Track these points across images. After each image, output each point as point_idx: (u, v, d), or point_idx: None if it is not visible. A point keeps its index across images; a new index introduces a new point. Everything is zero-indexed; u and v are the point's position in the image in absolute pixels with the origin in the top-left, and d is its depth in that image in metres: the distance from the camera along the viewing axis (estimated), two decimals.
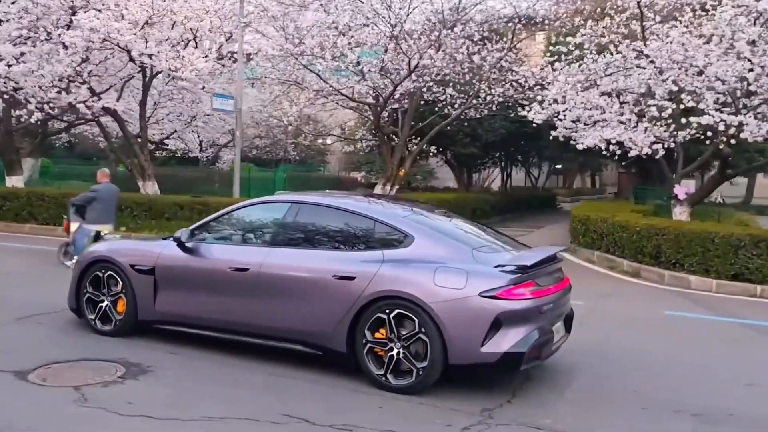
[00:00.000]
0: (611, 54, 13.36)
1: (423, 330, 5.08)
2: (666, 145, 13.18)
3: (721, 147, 12.56)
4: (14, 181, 18.09)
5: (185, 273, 6.15)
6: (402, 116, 20.16)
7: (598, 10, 14.29)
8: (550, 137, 15.63)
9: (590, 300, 9.60)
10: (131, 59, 15.36)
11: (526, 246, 6.15)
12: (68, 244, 10.95)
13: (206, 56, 15.34)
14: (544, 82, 15.50)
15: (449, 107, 19.73)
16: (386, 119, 21.08)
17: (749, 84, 11.26)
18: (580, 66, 13.78)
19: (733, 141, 12.09)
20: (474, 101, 19.30)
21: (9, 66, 14.55)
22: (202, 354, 6.02)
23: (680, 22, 12.53)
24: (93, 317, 6.58)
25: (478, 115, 20.77)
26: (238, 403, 4.87)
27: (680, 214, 14.09)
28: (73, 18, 14.65)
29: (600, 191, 55.17)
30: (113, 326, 6.47)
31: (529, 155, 34.69)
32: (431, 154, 23.76)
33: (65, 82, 15.46)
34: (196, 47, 16.01)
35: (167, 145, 27.64)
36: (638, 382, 5.80)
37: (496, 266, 5.17)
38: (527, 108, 15.18)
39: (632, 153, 13.46)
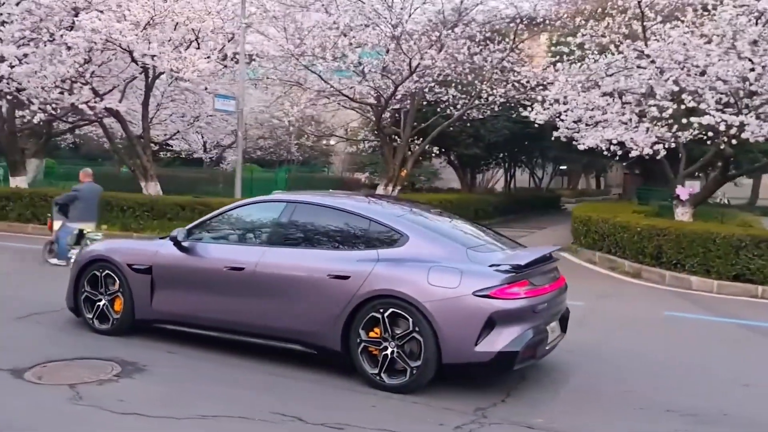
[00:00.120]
0: (612, 54, 13.33)
1: (417, 329, 5.08)
2: (667, 146, 13.14)
3: (722, 147, 12.52)
4: (18, 182, 18.19)
5: (182, 272, 6.17)
6: (404, 117, 20.17)
7: (599, 10, 14.26)
8: (552, 138, 15.60)
9: (590, 300, 9.60)
10: (133, 60, 15.42)
11: (522, 245, 6.15)
12: (53, 243, 11.16)
13: (208, 57, 15.38)
14: (545, 83, 15.48)
15: (451, 108, 19.73)
16: (388, 120, 21.10)
17: (750, 84, 11.22)
18: (580, 66, 13.76)
19: (734, 141, 12.05)
20: (476, 102, 19.29)
21: (12, 67, 14.62)
22: (199, 353, 6.03)
23: (682, 21, 12.50)
24: (91, 316, 6.61)
25: (480, 116, 20.76)
26: (232, 401, 4.88)
27: (682, 214, 14.05)
28: (75, 19, 14.71)
29: (605, 192, 55.11)
30: (111, 325, 6.50)
31: (533, 156, 34.65)
32: (434, 154, 23.76)
33: (68, 83, 15.53)
34: (198, 48, 16.05)
35: (171, 146, 27.72)
36: (634, 382, 5.78)
37: (491, 265, 5.17)
38: (529, 108, 15.16)
39: (633, 153, 13.43)
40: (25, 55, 15.09)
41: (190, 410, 4.67)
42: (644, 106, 12.98)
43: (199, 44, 16.33)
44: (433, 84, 18.41)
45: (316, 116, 25.69)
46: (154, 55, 15.03)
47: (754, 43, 11.00)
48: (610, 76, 13.16)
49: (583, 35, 13.47)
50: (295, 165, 33.53)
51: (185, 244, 6.19)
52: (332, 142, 34.44)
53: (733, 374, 6.19)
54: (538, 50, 23.54)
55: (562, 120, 14.55)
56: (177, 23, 15.66)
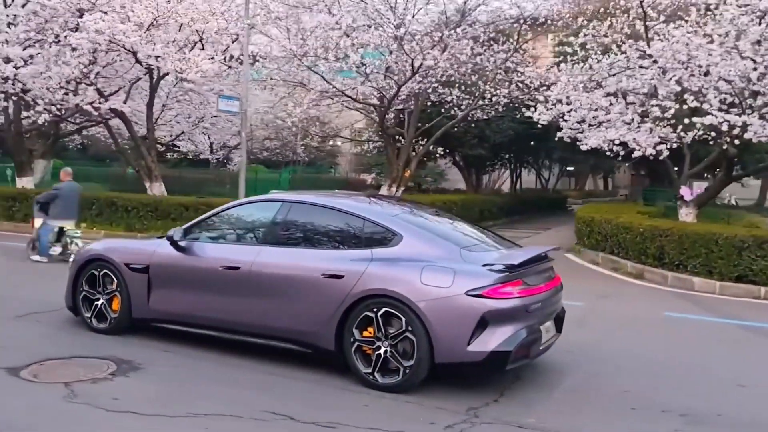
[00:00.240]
0: (615, 54, 13.30)
1: (410, 329, 5.09)
2: (670, 146, 13.09)
3: (724, 147, 12.46)
4: (24, 183, 18.31)
5: (178, 271, 6.20)
6: (408, 117, 20.17)
7: (602, 10, 14.22)
8: (556, 138, 15.57)
9: (591, 301, 9.59)
10: (137, 61, 15.49)
11: (517, 245, 6.14)
12: (35, 240, 11.50)
13: (212, 58, 15.44)
14: (547, 83, 15.46)
15: (456, 108, 19.72)
16: (392, 120, 21.11)
17: (753, 84, 11.16)
18: (582, 67, 13.73)
19: (737, 141, 12.00)
20: (480, 102, 19.27)
21: (16, 68, 14.73)
22: (195, 352, 6.06)
23: (686, 21, 12.46)
24: (89, 315, 6.65)
25: (485, 117, 20.72)
26: (225, 400, 4.90)
27: (686, 215, 13.99)
28: (79, 21, 14.80)
29: (612, 193, 54.88)
30: (108, 324, 6.54)
31: (539, 157, 34.55)
32: (438, 155, 23.73)
33: (73, 84, 15.63)
34: (203, 49, 16.11)
35: (178, 147, 27.83)
36: (630, 383, 5.76)
37: (484, 265, 5.17)
38: (532, 109, 15.14)
39: (636, 153, 13.38)
40: (31, 57, 15.22)
41: (183, 409, 4.69)
42: (647, 106, 12.93)
43: (203, 45, 16.39)
44: (436, 84, 18.39)
45: (321, 117, 25.69)
46: (159, 56, 15.12)
47: (758, 43, 10.94)
48: (613, 76, 13.12)
49: (585, 35, 13.44)
50: (300, 166, 33.58)
51: (182, 243, 6.22)
52: (339, 143, 34.47)
53: (730, 375, 6.16)
54: (543, 51, 23.52)
55: (566, 120, 14.52)
56: (181, 24, 15.73)
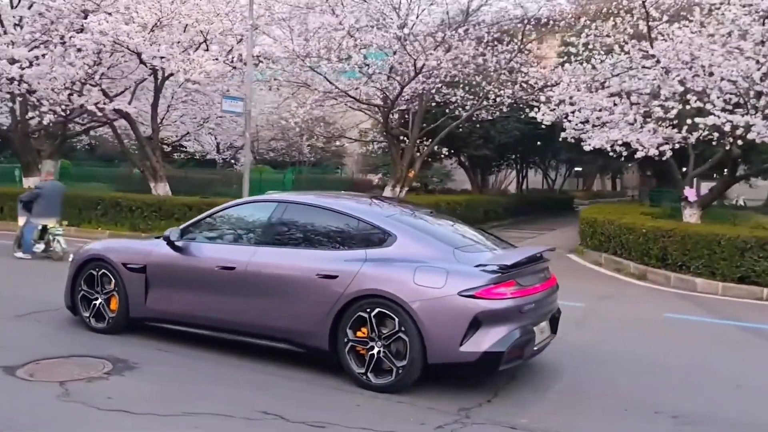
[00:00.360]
0: (618, 54, 13.25)
1: (403, 329, 5.10)
2: (672, 146, 13.03)
3: (727, 148, 12.39)
4: (31, 182, 18.38)
5: (175, 271, 6.23)
6: (413, 118, 20.17)
7: (604, 10, 14.17)
8: (560, 138, 15.53)
9: (591, 302, 9.57)
10: (142, 62, 15.57)
11: (513, 246, 6.13)
12: (20, 238, 11.90)
13: (216, 59, 15.49)
14: (550, 84, 15.42)
15: (460, 109, 19.70)
16: (396, 121, 21.11)
17: (755, 84, 11.09)
18: (585, 67, 13.69)
19: (740, 142, 11.93)
20: (485, 102, 19.24)
21: (22, 69, 14.83)
22: (192, 351, 6.09)
23: (690, 21, 12.40)
24: (87, 315, 6.69)
25: (490, 117, 20.70)
26: (218, 399, 4.92)
27: (690, 216, 13.92)
28: (84, 22, 14.89)
29: (621, 194, 54.65)
30: (106, 324, 6.58)
31: (545, 157, 34.46)
32: (443, 155, 23.70)
33: (78, 84, 15.72)
34: (207, 50, 16.17)
35: (185, 148, 27.94)
36: (625, 384, 5.75)
37: (477, 266, 5.16)
38: (536, 109, 15.11)
39: (639, 154, 13.33)
40: (36, 58, 15.33)
41: (175, 408, 4.72)
42: (650, 107, 12.87)
43: (207, 46, 16.45)
44: (440, 85, 18.38)
45: (327, 117, 25.73)
46: (163, 57, 15.19)
47: (761, 43, 10.87)
48: (616, 76, 13.07)
49: (587, 35, 13.40)
50: (306, 166, 33.62)
51: (178, 243, 6.25)
52: (345, 144, 34.49)
53: (727, 376, 6.13)
54: (549, 51, 23.45)
55: (569, 121, 14.48)
56: (186, 25, 15.80)
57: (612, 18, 13.34)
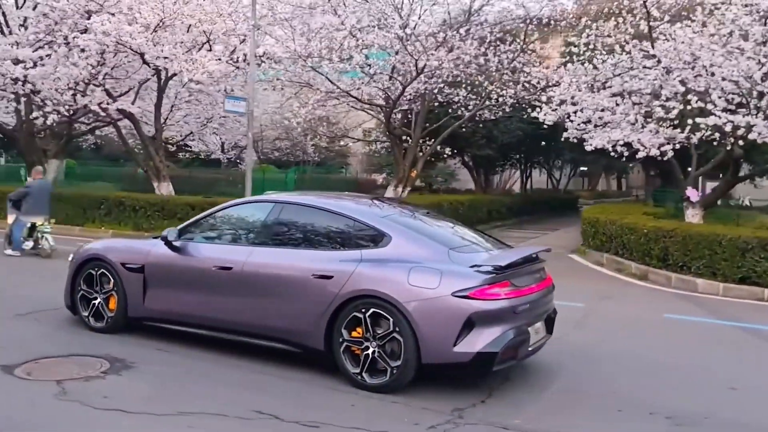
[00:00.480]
0: (619, 54, 13.23)
1: (397, 329, 5.12)
2: (673, 146, 13.00)
3: (728, 148, 12.36)
4: None
5: (172, 271, 6.26)
6: (416, 118, 20.19)
7: (606, 9, 14.16)
8: (562, 138, 15.52)
9: (591, 302, 9.58)
10: (145, 62, 15.63)
11: (509, 246, 6.14)
12: (10, 236, 12.20)
13: (219, 59, 15.54)
14: (551, 84, 15.41)
15: (463, 108, 19.71)
16: (399, 121, 21.12)
17: (756, 84, 11.06)
18: (585, 66, 13.67)
19: (741, 142, 11.89)
20: (487, 102, 19.24)
21: (26, 69, 14.92)
22: (189, 351, 6.13)
23: (692, 21, 12.37)
24: (86, 314, 6.74)
25: (492, 117, 20.69)
26: (213, 399, 4.95)
27: (692, 216, 13.89)
28: (87, 22, 14.97)
29: (626, 194, 54.51)
30: (105, 323, 6.62)
31: (549, 157, 34.41)
32: (446, 155, 23.70)
33: (81, 85, 15.80)
34: (210, 50, 16.23)
35: (190, 147, 28.02)
36: (620, 384, 5.75)
37: (472, 266, 5.18)
38: (538, 109, 15.11)
39: (641, 154, 13.31)
40: (41, 58, 15.42)
41: (170, 407, 4.75)
42: (651, 107, 12.85)
43: (210, 46, 16.51)
44: (442, 85, 18.39)
45: (331, 117, 25.76)
46: (166, 57, 15.25)
47: (763, 44, 10.84)
48: (618, 76, 13.05)
49: (588, 35, 13.39)
50: (310, 166, 33.65)
51: (176, 243, 6.29)
52: (349, 143, 34.51)
53: (723, 377, 6.12)
54: (552, 51, 23.43)
55: (571, 121, 14.47)
56: (189, 26, 15.85)
57: (613, 18, 13.32)
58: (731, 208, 22.92)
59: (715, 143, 12.79)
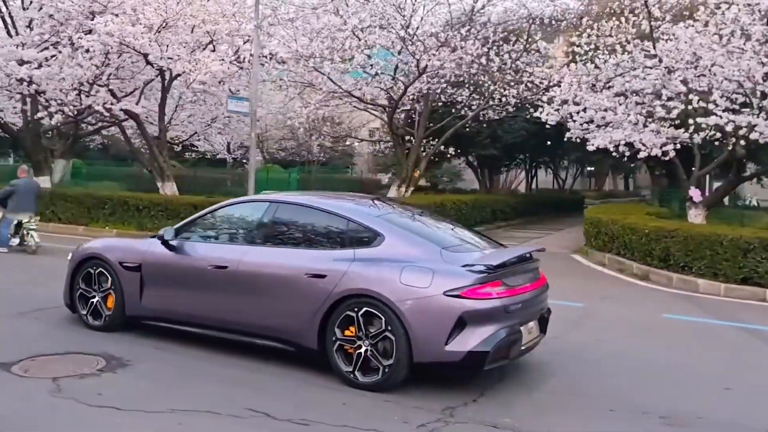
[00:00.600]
0: (621, 54, 13.21)
1: (389, 328, 5.14)
2: (674, 146, 12.97)
3: (729, 148, 12.31)
4: (41, 182, 18.58)
5: (168, 270, 6.31)
6: (419, 118, 20.20)
7: (607, 9, 14.14)
8: (565, 139, 15.51)
9: (591, 302, 9.57)
10: (149, 63, 15.72)
11: (503, 246, 6.16)
12: None
13: (222, 59, 15.61)
14: (552, 84, 15.40)
15: (466, 108, 19.70)
16: (402, 121, 21.14)
17: (758, 84, 11.02)
18: (585, 64, 13.66)
19: (742, 142, 11.85)
20: (490, 102, 19.23)
21: (30, 69, 15.03)
22: (185, 349, 6.17)
23: (696, 20, 12.34)
24: (85, 312, 6.80)
25: (496, 117, 20.67)
26: (206, 396, 4.99)
27: (695, 216, 13.85)
28: (91, 23, 15.07)
29: (633, 194, 54.29)
30: (103, 321, 6.68)
31: (555, 157, 34.31)
32: (449, 155, 23.70)
33: (86, 85, 15.91)
34: (214, 50, 16.30)
35: (196, 147, 28.14)
36: (615, 384, 5.75)
37: (464, 266, 5.20)
38: (540, 109, 15.10)
39: (642, 154, 13.28)
40: (46, 59, 15.53)
41: (162, 404, 4.79)
42: (653, 106, 12.82)
43: (214, 47, 16.58)
44: (445, 85, 18.39)
45: (336, 117, 25.80)
46: (170, 58, 15.33)
47: (766, 43, 10.80)
48: (620, 76, 13.03)
49: (589, 35, 13.38)
50: (315, 166, 33.70)
51: (172, 242, 6.33)
52: (355, 143, 34.54)
53: (718, 377, 6.11)
54: (557, 51, 23.38)
55: (574, 121, 14.45)
56: (193, 26, 15.93)
57: (614, 18, 13.30)
58: (738, 209, 22.83)
59: (716, 143, 12.74)
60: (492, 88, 18.44)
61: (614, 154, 14.04)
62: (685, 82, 11.87)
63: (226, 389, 5.19)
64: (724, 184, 14.79)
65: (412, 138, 20.32)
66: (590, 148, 14.30)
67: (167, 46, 15.24)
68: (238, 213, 6.48)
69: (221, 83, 17.95)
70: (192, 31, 16.01)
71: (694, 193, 13.75)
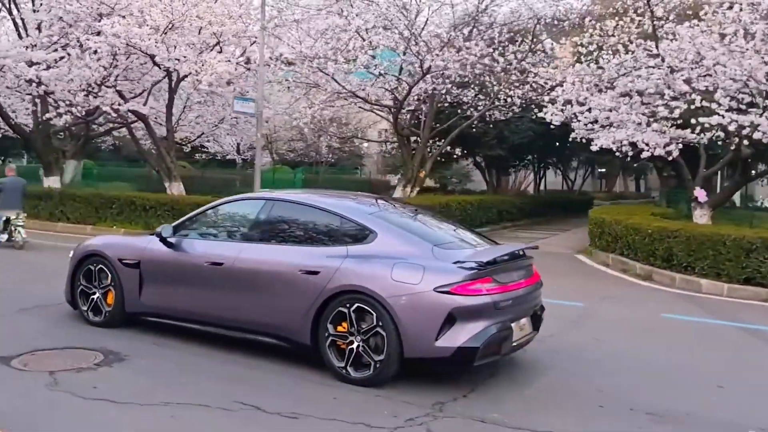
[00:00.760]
0: (624, 54, 13.19)
1: (380, 324, 5.19)
2: (677, 146, 12.93)
3: (732, 148, 12.27)
4: (51, 182, 18.84)
5: (166, 267, 6.40)
6: (425, 118, 20.23)
7: (610, 9, 14.12)
8: (570, 139, 15.51)
9: (592, 302, 9.58)
10: (155, 64, 15.86)
11: (496, 243, 6.19)
12: None
13: (228, 60, 15.72)
14: (555, 84, 15.40)
15: (472, 109, 19.72)
16: (408, 121, 21.18)
17: (761, 83, 10.98)
18: (589, 65, 13.66)
19: (746, 142, 11.80)
20: (496, 103, 19.24)
21: (38, 71, 15.22)
22: (183, 345, 6.25)
23: (701, 20, 12.30)
24: (85, 309, 6.89)
25: (503, 117, 20.66)
26: (199, 390, 5.06)
27: (700, 217, 13.80)
28: (98, 25, 15.24)
29: (644, 195, 53.97)
30: (103, 317, 6.77)
31: (563, 157, 34.20)
32: (456, 155, 23.71)
33: (94, 86, 16.08)
34: (220, 52, 16.43)
35: (207, 148, 28.33)
36: (606, 382, 5.76)
37: (455, 262, 5.24)
38: (545, 110, 15.10)
39: (645, 154, 13.26)
40: (56, 61, 15.73)
41: (156, 397, 4.87)
42: (656, 106, 12.79)
43: (221, 48, 16.71)
44: (450, 86, 18.42)
45: (343, 118, 25.87)
46: (178, 59, 15.47)
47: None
48: (623, 76, 13.02)
49: (591, 35, 13.37)
50: (324, 167, 33.82)
51: (170, 240, 6.42)
52: (364, 144, 34.62)
53: (712, 376, 6.11)
54: (564, 52, 23.34)
55: (578, 121, 14.45)
56: (200, 28, 16.07)
57: (617, 18, 13.29)
58: (750, 210, 22.69)
59: (719, 143, 12.70)
60: (497, 88, 18.44)
61: (617, 154, 14.01)
62: (688, 81, 11.83)
63: (220, 384, 5.25)
64: (729, 184, 14.73)
65: (418, 138, 20.36)
66: (594, 148, 14.30)
67: (174, 47, 15.38)
68: (235, 210, 6.56)
69: (229, 84, 18.07)
70: (199, 33, 16.15)
71: (700, 193, 13.70)
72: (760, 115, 11.24)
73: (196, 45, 15.97)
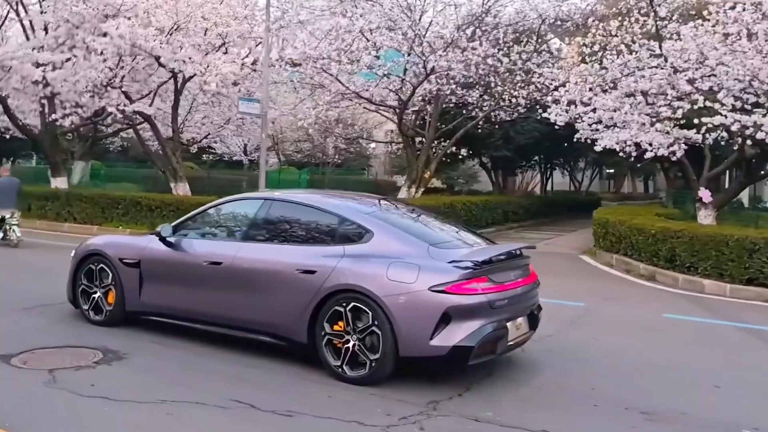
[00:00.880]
0: (627, 54, 13.17)
1: (376, 323, 5.22)
2: (680, 146, 12.89)
3: (735, 147, 12.22)
4: (58, 183, 18.98)
5: (166, 266, 6.45)
6: (430, 119, 20.25)
7: (613, 9, 14.11)
8: (575, 139, 15.49)
9: (594, 302, 9.57)
10: (161, 65, 15.96)
11: (493, 242, 6.21)
12: None
13: (233, 61, 15.80)
14: (559, 84, 15.38)
15: (477, 110, 19.72)
16: (413, 122, 21.20)
17: (763, 83, 10.94)
18: (593, 66, 13.64)
19: (749, 142, 11.76)
20: (501, 103, 19.23)
21: (44, 72, 15.34)
22: (182, 344, 6.30)
23: (706, 20, 12.26)
24: (86, 308, 6.96)
25: (508, 118, 20.65)
26: (196, 389, 5.10)
27: (705, 217, 13.76)
28: (103, 26, 15.35)
29: (653, 196, 53.71)
30: (104, 316, 6.83)
31: (570, 158, 34.09)
32: (461, 156, 23.70)
33: (100, 87, 16.20)
34: (226, 53, 16.51)
35: (214, 149, 28.43)
36: (602, 382, 5.77)
37: (450, 262, 5.27)
38: (549, 110, 15.09)
39: (648, 155, 13.23)
40: (62, 62, 15.85)
41: (153, 395, 4.91)
42: (659, 106, 12.76)
43: (226, 49, 16.79)
44: (454, 86, 18.43)
45: (348, 118, 25.89)
46: (183, 60, 15.56)
47: None
48: (626, 76, 12.99)
49: (593, 35, 13.36)
50: (330, 167, 33.86)
51: (170, 239, 6.47)
52: (371, 145, 34.62)
53: (709, 376, 6.10)
54: (570, 51, 23.30)
55: (583, 121, 14.43)
56: (206, 29, 16.16)
57: (620, 18, 13.27)
58: (758, 211, 22.55)
59: (722, 143, 12.66)
60: (501, 89, 18.43)
61: (621, 154, 13.98)
62: (691, 81, 11.80)
63: (217, 383, 5.29)
64: (734, 184, 14.66)
65: (423, 139, 20.37)
66: (597, 148, 14.27)
67: (179, 48, 15.47)
68: (234, 210, 6.60)
69: (235, 85, 18.16)
70: (205, 34, 16.24)
71: (704, 194, 13.65)
72: (764, 115, 11.19)
73: (201, 46, 16.05)
